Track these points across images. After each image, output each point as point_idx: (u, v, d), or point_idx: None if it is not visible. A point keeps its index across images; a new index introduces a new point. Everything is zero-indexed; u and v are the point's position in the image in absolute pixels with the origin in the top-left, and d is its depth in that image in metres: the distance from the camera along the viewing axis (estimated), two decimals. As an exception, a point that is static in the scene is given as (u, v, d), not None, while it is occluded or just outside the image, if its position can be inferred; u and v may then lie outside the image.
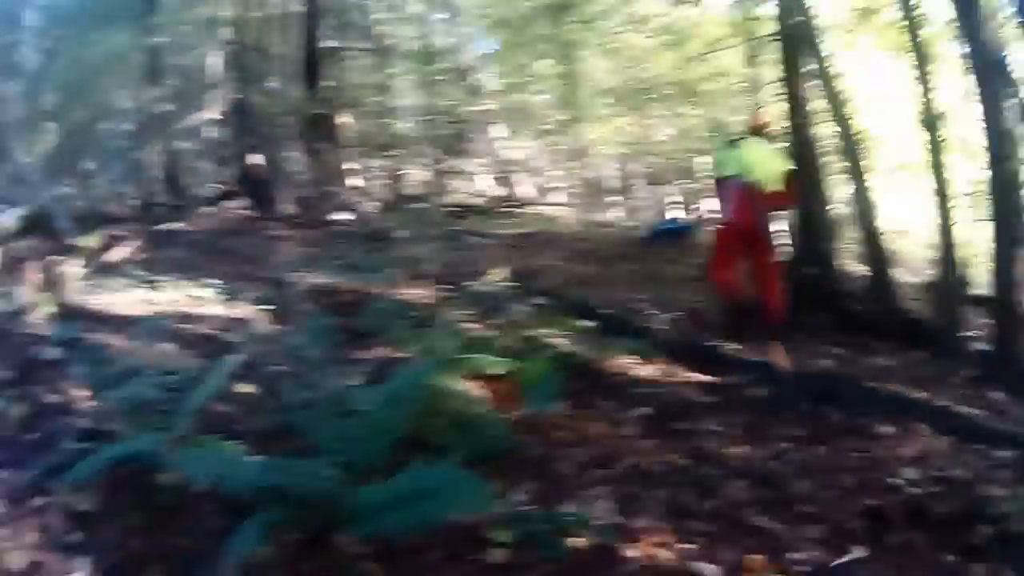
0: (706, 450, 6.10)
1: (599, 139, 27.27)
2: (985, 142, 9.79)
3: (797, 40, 13.51)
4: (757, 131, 10.40)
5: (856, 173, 12.73)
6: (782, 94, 14.33)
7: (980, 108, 9.92)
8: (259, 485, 4.09)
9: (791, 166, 10.69)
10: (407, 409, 4.92)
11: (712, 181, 11.94)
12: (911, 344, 10.71)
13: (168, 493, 4.37)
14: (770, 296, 9.71)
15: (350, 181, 25.03)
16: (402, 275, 10.15)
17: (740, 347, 9.20)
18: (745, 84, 21.98)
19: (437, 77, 27.05)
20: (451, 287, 10.17)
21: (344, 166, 24.75)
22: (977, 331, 11.34)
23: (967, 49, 9.93)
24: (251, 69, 20.87)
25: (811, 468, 5.91)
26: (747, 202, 9.54)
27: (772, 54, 16.95)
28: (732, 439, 6.39)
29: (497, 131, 28.18)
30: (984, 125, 9.83)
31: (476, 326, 8.17)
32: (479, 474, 4.36)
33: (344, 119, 25.38)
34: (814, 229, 13.48)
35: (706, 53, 20.58)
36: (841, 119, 12.73)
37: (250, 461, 4.48)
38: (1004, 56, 9.98)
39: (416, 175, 28.60)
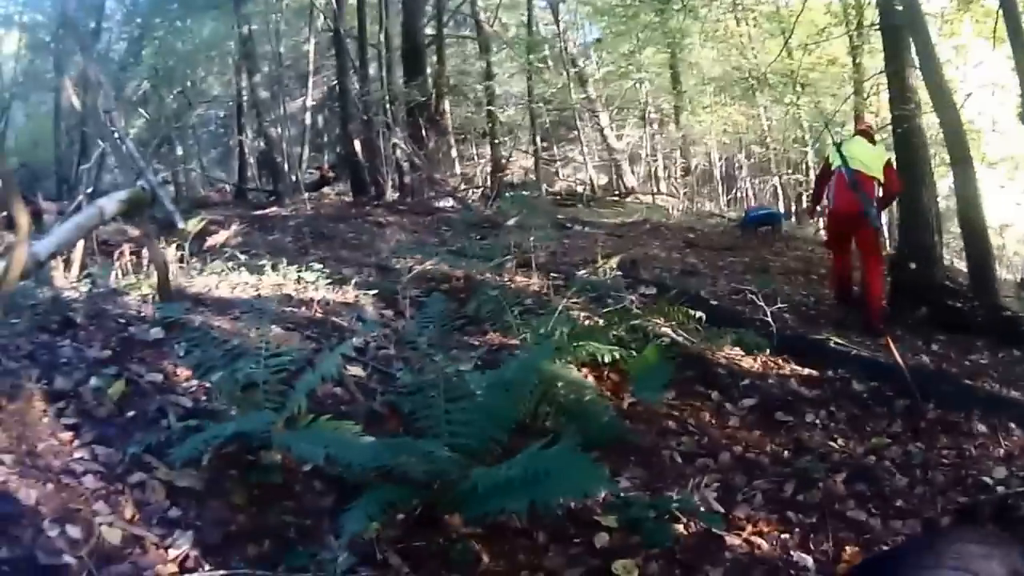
0: (808, 443, 6.22)
1: (704, 128, 27.08)
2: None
3: (900, 28, 13.39)
4: (861, 133, 11.80)
5: (960, 165, 12.58)
6: (887, 83, 14.24)
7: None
8: (372, 464, 4.21)
9: (891, 158, 11.86)
10: (518, 394, 5.05)
11: (820, 173, 12.31)
12: (1009, 342, 10.60)
13: (274, 472, 4.44)
14: (872, 273, 10.76)
15: (454, 168, 25.24)
16: (510, 262, 10.24)
17: (846, 340, 9.26)
18: (851, 73, 21.83)
19: (541, 64, 26.88)
20: (560, 275, 10.24)
21: (449, 152, 24.95)
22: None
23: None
24: (349, 55, 21.06)
25: (906, 464, 5.98)
26: (845, 191, 10.62)
27: (877, 43, 16.85)
28: (833, 432, 6.52)
29: (602, 119, 28.05)
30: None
31: (585, 314, 8.31)
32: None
33: (447, 106, 25.64)
34: (917, 223, 13.37)
35: (811, 42, 20.39)
36: (945, 109, 12.45)
37: (362, 441, 4.56)
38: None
39: (520, 163, 28.59)
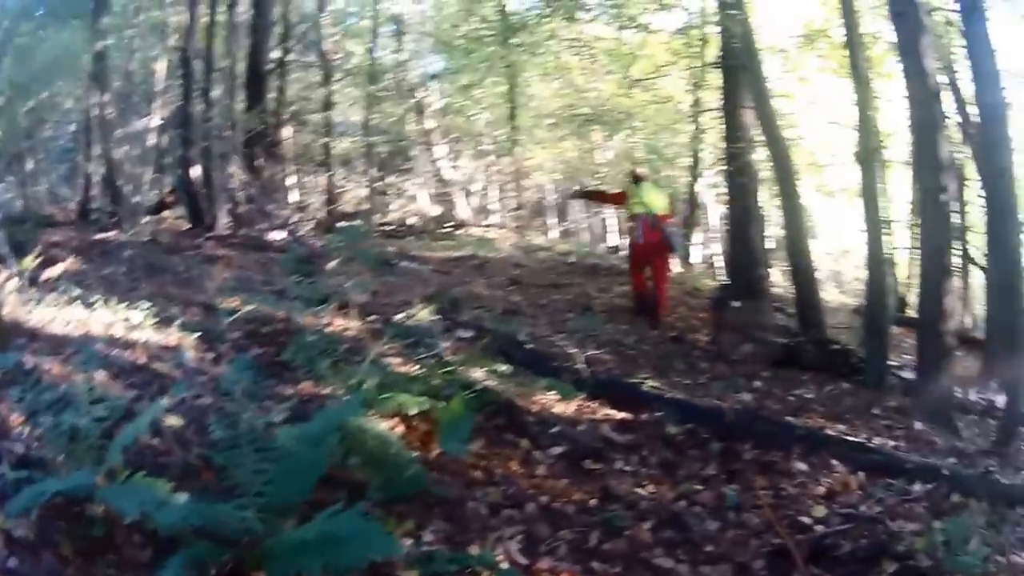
0: (616, 490, 6.17)
1: (538, 162, 27.29)
2: (919, 171, 9.96)
3: (737, 67, 13.64)
4: (639, 178, 14.15)
5: (790, 199, 12.84)
6: (723, 120, 14.51)
7: (916, 138, 10.12)
8: (182, 523, 4.16)
9: (669, 198, 14.96)
10: (327, 448, 4.99)
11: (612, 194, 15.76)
12: (837, 374, 10.86)
13: (97, 525, 4.42)
14: (661, 292, 13.52)
15: (289, 198, 24.96)
16: (332, 304, 10.10)
17: (664, 382, 9.38)
18: (687, 109, 22.15)
19: (381, 94, 26.87)
20: (379, 318, 10.05)
21: (283, 182, 24.67)
22: (904, 360, 11.51)
23: (905, 80, 10.03)
24: (195, 78, 20.69)
25: (719, 507, 6.02)
26: (650, 228, 13.27)
27: (714, 80, 17.15)
28: (643, 479, 6.50)
29: (438, 151, 28.14)
30: (919, 154, 10.00)
31: (400, 361, 8.14)
32: (393, 515, 4.67)
33: (286, 134, 25.36)
34: (745, 258, 13.68)
35: (648, 78, 20.65)
36: (775, 145, 12.88)
37: (175, 499, 4.42)
38: (939, 89, 10.21)
39: (356, 193, 28.47)
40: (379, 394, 6.46)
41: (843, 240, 26.92)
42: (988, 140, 9.88)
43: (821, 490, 6.36)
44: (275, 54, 23.95)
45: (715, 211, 25.89)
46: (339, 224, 20.72)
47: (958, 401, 10.02)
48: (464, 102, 28.29)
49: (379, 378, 6.88)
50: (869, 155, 11.35)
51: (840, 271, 29.98)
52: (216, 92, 20.60)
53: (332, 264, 12.03)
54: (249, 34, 21.82)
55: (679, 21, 20.94)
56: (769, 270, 15.17)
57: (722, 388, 9.46)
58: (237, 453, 4.94)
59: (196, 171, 19.85)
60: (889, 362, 11.01)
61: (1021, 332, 9.10)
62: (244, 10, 21.52)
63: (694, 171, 23.28)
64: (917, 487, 6.46)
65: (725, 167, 14.75)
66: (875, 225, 11.11)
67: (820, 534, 5.55)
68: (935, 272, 9.66)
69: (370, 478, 5.36)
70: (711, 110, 18.56)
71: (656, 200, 13.63)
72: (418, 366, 7.90)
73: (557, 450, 6.88)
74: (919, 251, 10.26)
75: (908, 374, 10.82)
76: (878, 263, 11.15)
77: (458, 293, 12.92)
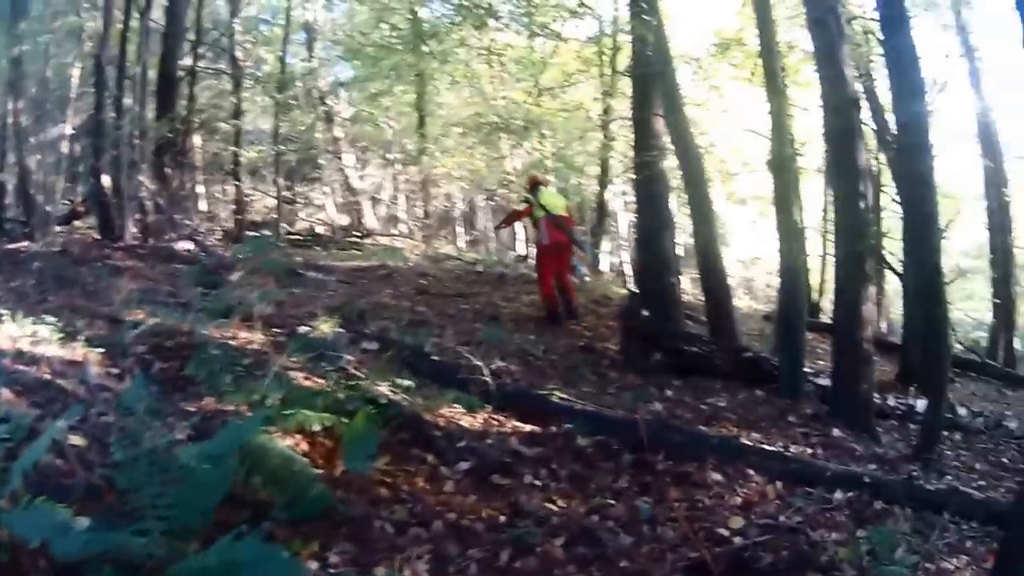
0: (526, 506, 5.94)
1: (447, 171, 27.17)
2: (836, 178, 9.86)
3: (649, 76, 13.54)
4: (539, 183, 14.88)
5: (701, 207, 12.78)
6: (633, 128, 14.46)
7: (833, 145, 10.04)
8: (84, 551, 3.97)
9: (567, 201, 15.57)
10: (229, 468, 4.80)
11: (517, 211, 15.61)
12: (751, 382, 10.78)
13: (5, 550, 4.17)
14: (569, 288, 14.18)
15: (198, 207, 24.59)
16: (236, 316, 9.77)
17: (572, 392, 9.13)
18: (598, 118, 22.07)
19: (290, 102, 26.40)
20: (284, 330, 9.80)
21: (193, 191, 24.29)
22: (818, 366, 11.42)
23: (823, 87, 9.97)
24: (108, 85, 20.20)
25: (633, 521, 5.81)
26: (555, 229, 13.78)
27: (625, 88, 17.07)
28: (553, 493, 6.26)
29: (346, 159, 28.12)
30: (836, 162, 9.91)
31: (304, 375, 7.84)
32: (298, 535, 4.49)
33: (196, 142, 24.97)
34: (655, 266, 13.63)
35: (558, 86, 20.57)
36: (688, 152, 12.89)
37: (77, 523, 4.24)
38: (857, 96, 10.16)
39: (264, 202, 28.21)
40: (282, 410, 6.22)
41: (753, 247, 27.09)
42: (909, 148, 9.85)
43: (738, 501, 6.21)
44: (187, 61, 23.55)
45: (624, 219, 25.91)
46: (247, 234, 20.50)
47: (876, 407, 9.88)
48: (373, 110, 28.19)
49: (282, 393, 6.63)
50: (783, 163, 11.29)
51: (751, 278, 30.14)
52: (128, 100, 20.14)
53: (237, 275, 11.74)
54: (162, 40, 21.41)
55: (591, 29, 20.92)
56: (680, 278, 15.06)
57: (633, 398, 9.32)
58: (139, 473, 4.69)
59: (107, 180, 19.42)
60: (804, 369, 10.84)
61: (938, 337, 8.99)
62: (158, 16, 21.36)
63: (603, 179, 23.28)
64: (838, 495, 6.35)
65: (635, 175, 14.60)
66: (789, 232, 11.07)
67: (739, 546, 5.36)
68: (852, 278, 9.58)
69: (274, 498, 5.16)
70: (621, 119, 18.52)
71: (555, 202, 14.26)
72: (322, 380, 7.66)
73: (464, 465, 6.61)
74: (835, 257, 10.11)
75: (824, 380, 10.66)
76: (792, 270, 11.10)
77: (364, 304, 12.75)
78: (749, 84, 18.13)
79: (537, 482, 6.42)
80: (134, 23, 20.46)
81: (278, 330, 9.78)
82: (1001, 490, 7.82)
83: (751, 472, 6.64)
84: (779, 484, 6.52)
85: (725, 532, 5.58)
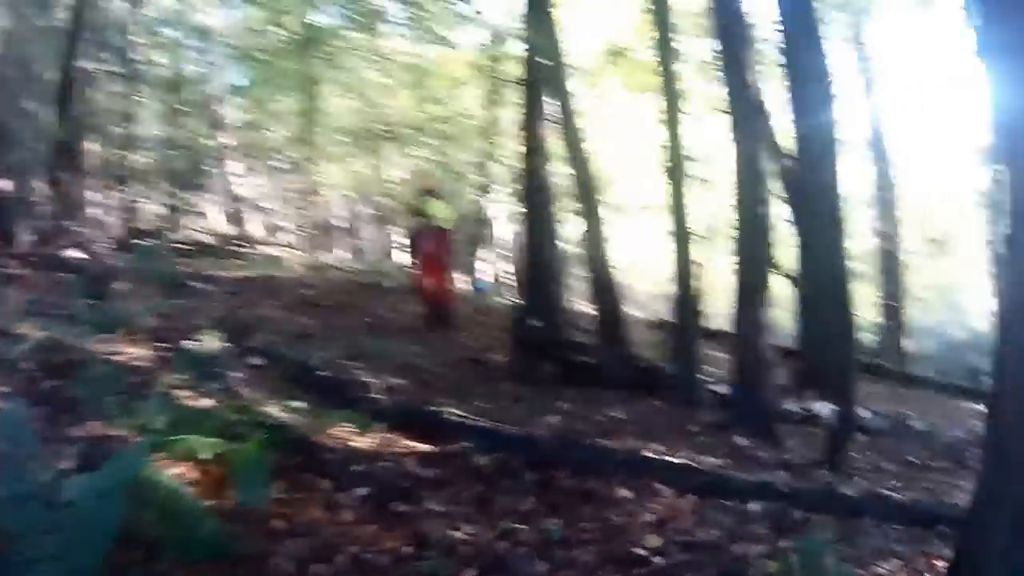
0: (431, 535, 5.54)
1: (331, 178, 26.89)
2: (737, 185, 9.76)
3: (538, 84, 13.39)
4: (430, 191, 15.41)
5: (591, 215, 12.64)
6: (522, 137, 14.26)
7: (737, 151, 9.89)
8: None
9: (451, 209, 15.88)
10: (118, 503, 4.37)
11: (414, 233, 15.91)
12: (647, 392, 10.62)
13: None
14: (447, 295, 14.61)
15: (89, 214, 23.97)
16: (123, 330, 9.32)
17: (465, 408, 8.77)
18: (484, 125, 21.96)
19: (183, 107, 26.23)
20: (170, 345, 9.19)
21: (85, 197, 23.67)
22: (715, 374, 11.28)
23: (727, 93, 9.85)
24: (7, 85, 19.52)
25: (545, 544, 5.49)
26: (438, 238, 14.47)
27: (514, 96, 16.95)
28: (457, 519, 5.87)
29: (231, 167, 27.64)
30: (738, 169, 9.80)
31: (190, 394, 7.39)
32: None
33: (90, 146, 24.30)
34: (541, 275, 13.61)
35: (446, 94, 20.38)
36: (577, 161, 12.79)
37: None
38: (762, 103, 10.07)
39: (153, 209, 27.37)
40: (170, 435, 5.81)
41: (635, 254, 27.08)
42: (814, 157, 9.81)
43: (651, 518, 5.96)
44: (85, 63, 22.86)
45: (505, 228, 25.86)
46: (136, 242, 19.97)
47: (777, 412, 9.79)
48: (261, 117, 28.02)
49: (169, 416, 6.20)
50: (678, 170, 11.14)
51: (632, 284, 30.17)
52: (26, 102, 19.49)
53: (124, 286, 11.31)
54: (63, 40, 20.68)
55: (481, 37, 20.72)
56: (567, 286, 14.93)
57: (527, 411, 9.11)
58: (26, 511, 4.35)
59: (3, 185, 18.84)
60: (701, 376, 10.79)
61: (845, 342, 8.87)
62: (62, 15, 20.79)
63: (485, 188, 23.12)
64: (754, 506, 6.20)
65: (522, 183, 14.53)
66: (683, 239, 11.06)
67: (660, 566, 5.14)
68: (753, 285, 9.48)
69: (165, 535, 4.77)
70: (509, 128, 18.42)
71: (443, 212, 14.86)
72: (209, 399, 7.22)
73: (362, 491, 6.17)
74: (735, 264, 9.94)
75: (721, 388, 10.60)
76: (686, 277, 10.96)
77: (249, 316, 12.36)
78: (637, 93, 18.15)
79: (439, 507, 6.05)
80: (40, 22, 19.90)
81: (164, 344, 9.24)
82: (915, 490, 7.83)
83: (661, 487, 6.43)
84: (691, 498, 6.31)
85: (643, 552, 5.32)
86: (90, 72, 22.43)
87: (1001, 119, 4.47)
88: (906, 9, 23.31)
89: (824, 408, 10.10)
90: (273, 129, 28.15)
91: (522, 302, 13.57)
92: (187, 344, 8.92)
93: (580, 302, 17.55)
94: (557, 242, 14.21)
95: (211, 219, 27.55)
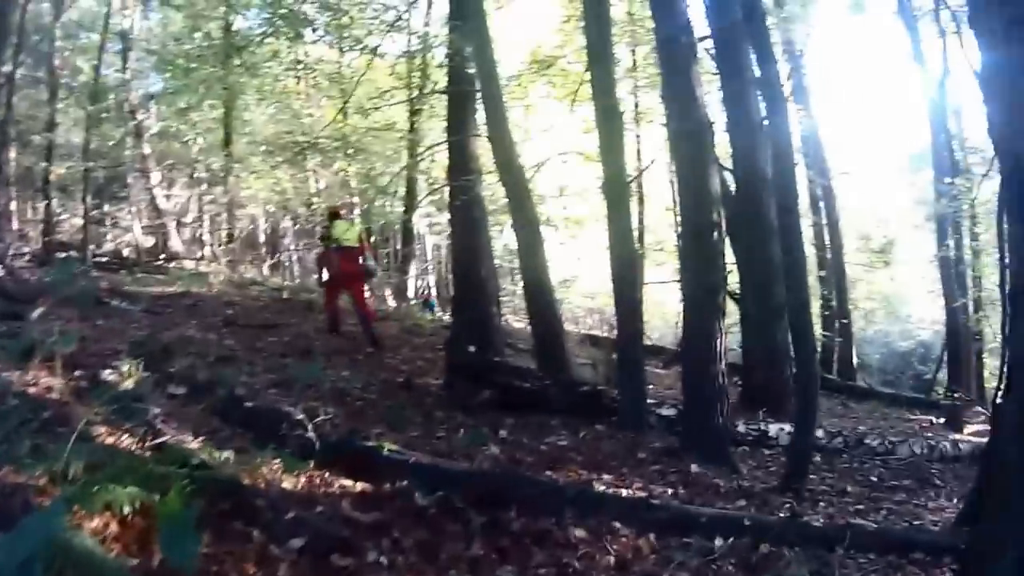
0: (377, 592, 5.06)
1: (252, 191, 26.37)
2: (685, 207, 9.43)
3: (467, 95, 13.30)
4: (336, 214, 15.66)
5: (527, 232, 12.38)
6: (448, 150, 14.26)
7: (682, 172, 9.76)
8: None
9: (361, 229, 15.96)
10: (37, 570, 3.95)
11: (322, 248, 15.94)
12: (589, 417, 10.16)
13: None
14: (366, 311, 14.58)
15: (10, 226, 23.24)
16: (38, 356, 8.68)
17: (401, 441, 8.22)
18: (408, 139, 21.67)
19: (102, 115, 25.57)
20: (87, 374, 8.66)
21: (7, 208, 22.94)
22: (660, 395, 10.90)
23: (672, 111, 9.64)
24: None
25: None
26: (345, 259, 14.43)
27: (439, 109, 16.68)
28: (403, 571, 5.34)
29: (153, 178, 27.11)
30: (684, 189, 9.46)
31: (108, 430, 6.74)
32: None
33: (9, 155, 23.56)
34: (473, 295, 13.41)
35: (371, 105, 19.91)
36: (513, 174, 12.40)
37: None
38: (710, 121, 9.76)
39: (73, 221, 27.01)
40: (87, 484, 5.25)
41: (563, 269, 26.77)
42: (751, 168, 9.48)
43: (611, 560, 5.54)
44: (6, 68, 22.06)
45: (430, 242, 25.70)
46: (56, 256, 19.65)
47: (730, 434, 9.49)
48: (181, 126, 27.20)
49: (87, 459, 5.62)
50: (619, 187, 10.73)
51: (565, 299, 29.92)
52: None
53: (41, 307, 10.67)
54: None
55: (405, 44, 20.26)
56: (500, 306, 14.49)
57: (466, 441, 8.63)
58: None
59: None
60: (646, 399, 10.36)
61: (806, 363, 8.47)
62: None
63: (409, 202, 23.03)
64: (719, 542, 5.78)
65: (451, 199, 14.43)
66: (625, 258, 10.63)
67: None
68: (704, 309, 9.09)
69: None
70: (437, 143, 18.06)
71: (348, 234, 14.83)
72: (130, 437, 6.62)
73: (297, 542, 5.55)
74: (682, 286, 9.57)
75: (667, 411, 10.33)
76: (628, 298, 10.54)
77: (170, 338, 11.85)
78: (566, 105, 17.86)
79: (382, 558, 5.50)
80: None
81: (81, 372, 8.70)
82: (880, 513, 7.63)
83: (617, 525, 5.96)
84: (651, 536, 5.85)
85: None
86: (12, 76, 21.76)
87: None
88: (840, 15, 23.23)
89: (778, 428, 10.05)
90: (194, 139, 27.36)
91: (454, 320, 13.09)
92: (106, 373, 8.41)
93: (513, 317, 17.16)
94: (488, 259, 13.81)
95: (133, 232, 27.19)
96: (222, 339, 12.99)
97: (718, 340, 8.95)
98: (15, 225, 24.49)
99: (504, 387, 10.60)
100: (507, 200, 13.21)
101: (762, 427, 10.42)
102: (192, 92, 24.51)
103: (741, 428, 10.30)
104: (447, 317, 20.32)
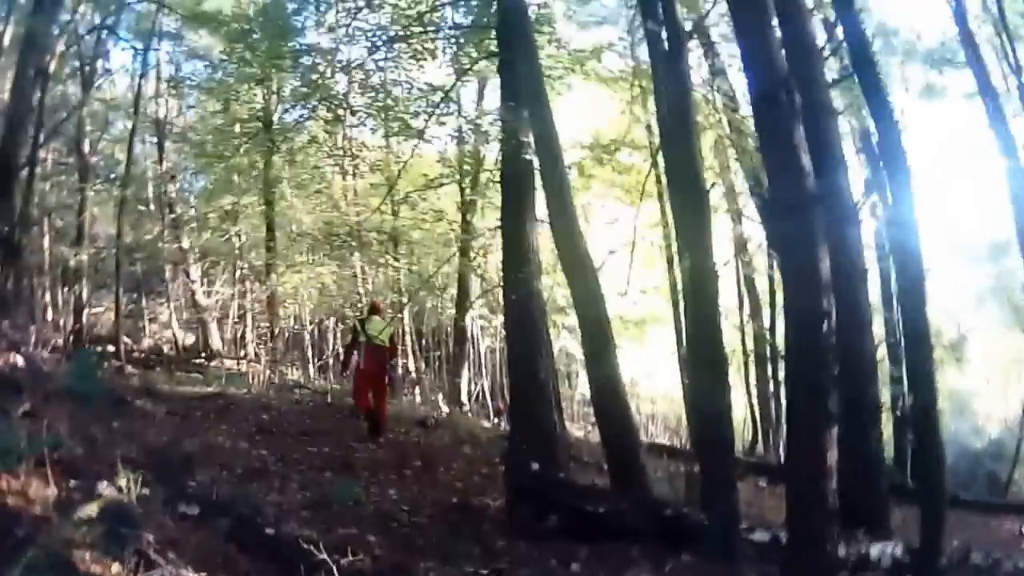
0: None
1: (295, 288, 25.66)
2: (788, 289, 8.22)
3: (523, 179, 12.64)
4: (375, 310, 16.00)
5: (596, 328, 11.15)
6: (502, 242, 13.44)
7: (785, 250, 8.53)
8: None
9: (393, 330, 16.63)
10: None
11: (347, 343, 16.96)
12: (672, 544, 8.61)
13: None
14: (382, 412, 14.93)
15: (35, 314, 22.65)
16: (29, 458, 7.42)
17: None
18: (458, 231, 20.78)
19: (139, 207, 25.33)
20: (86, 483, 7.27)
21: (30, 295, 22.29)
22: (749, 515, 9.49)
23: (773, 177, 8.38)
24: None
25: None
26: (370, 358, 14.75)
27: (494, 195, 15.72)
28: None
29: (192, 272, 26.51)
30: (787, 270, 8.29)
31: (94, 557, 5.58)
32: None
33: (43, 244, 23.74)
34: (533, 401, 12.21)
35: (418, 192, 18.95)
36: (579, 262, 11.19)
37: None
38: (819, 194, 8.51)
39: (105, 314, 26.02)
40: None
41: (636, 371, 25.55)
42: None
43: None
44: (30, 151, 21.27)
45: (483, 344, 24.74)
46: (86, 349, 19.42)
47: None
48: (221, 221, 26.58)
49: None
50: (704, 277, 9.43)
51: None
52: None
53: (27, 403, 9.54)
54: (5, 123, 19.09)
55: (454, 127, 19.14)
56: (561, 415, 13.12)
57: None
58: None
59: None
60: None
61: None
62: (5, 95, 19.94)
63: (461, 301, 22.58)
64: None
65: (504, 294, 13.25)
66: (710, 361, 9.28)
67: None
68: (811, 414, 7.52)
69: None
70: (491, 228, 17.08)
71: (383, 333, 15.24)
72: (118, 565, 5.44)
73: None
74: (786, 386, 8.20)
75: (760, 536, 8.84)
76: (715, 407, 9.10)
77: (193, 445, 10.61)
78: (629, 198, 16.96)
79: None
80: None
81: (76, 483, 7.33)
82: None
83: None
84: None
85: None
86: (33, 159, 20.95)
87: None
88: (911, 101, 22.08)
89: (880, 549, 8.83)
90: (235, 233, 26.45)
91: (512, 431, 11.81)
92: (102, 486, 7.03)
93: (571, 424, 15.87)
94: (549, 360, 12.54)
95: (172, 328, 26.65)
96: (254, 448, 11.83)
97: (829, 453, 7.38)
98: (49, 316, 24.36)
99: (574, 511, 9.08)
100: (571, 297, 12.00)
101: (862, 549, 8.95)
102: (231, 185, 23.79)
103: (841, 551, 8.56)
104: (502, 424, 19.39)
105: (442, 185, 19.41)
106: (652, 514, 9.12)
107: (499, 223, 14.16)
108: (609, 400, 10.93)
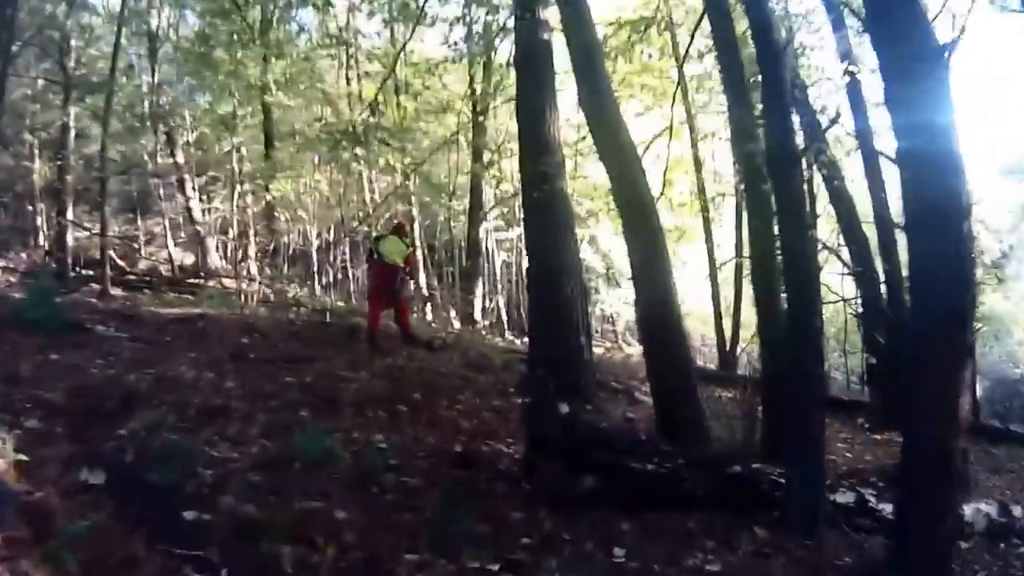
0: None
1: (292, 195, 24.79)
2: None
3: (543, 59, 11.42)
4: (399, 230, 15.69)
5: (641, 236, 9.36)
6: (518, 135, 12.19)
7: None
8: None
9: (411, 251, 15.76)
10: None
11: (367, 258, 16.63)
12: (739, 510, 6.67)
13: None
14: (404, 320, 15.17)
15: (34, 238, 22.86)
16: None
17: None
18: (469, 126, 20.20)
19: (134, 123, 23.73)
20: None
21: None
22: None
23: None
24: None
25: None
26: (381, 274, 14.77)
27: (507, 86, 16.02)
28: None
29: (189, 189, 24.94)
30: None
31: None
32: None
33: (22, 161, 23.25)
34: (555, 320, 10.57)
35: (418, 78, 17.47)
36: (620, 152, 9.42)
37: None
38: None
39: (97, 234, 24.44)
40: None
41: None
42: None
43: None
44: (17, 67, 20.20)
45: (499, 259, 23.42)
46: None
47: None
48: (219, 131, 25.06)
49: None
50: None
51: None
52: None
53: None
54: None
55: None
56: (590, 341, 11.14)
57: (564, 571, 5.28)
58: None
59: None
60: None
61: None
62: None
63: (475, 211, 21.72)
64: None
65: (525, 194, 11.69)
66: (801, 267, 7.25)
67: None
68: (942, 342, 5.48)
69: None
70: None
71: (395, 253, 14.94)
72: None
73: None
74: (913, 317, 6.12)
75: (844, 497, 7.02)
76: (801, 323, 7.05)
77: (140, 382, 8.47)
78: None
79: None
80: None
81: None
82: None
83: None
84: None
85: None
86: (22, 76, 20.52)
87: None
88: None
89: (974, 510, 7.27)
90: (233, 146, 25.07)
91: (531, 358, 9.93)
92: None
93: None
94: (576, 275, 10.83)
95: (168, 248, 25.59)
96: (221, 380, 9.45)
97: (962, 399, 5.60)
98: (42, 241, 23.92)
99: (614, 470, 6.85)
100: (612, 193, 10.47)
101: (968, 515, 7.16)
102: (225, 92, 23.04)
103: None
104: (519, 343, 18.14)
105: (449, 63, 17.83)
106: (714, 472, 7.05)
107: (514, 114, 12.47)
108: (660, 323, 9.02)
